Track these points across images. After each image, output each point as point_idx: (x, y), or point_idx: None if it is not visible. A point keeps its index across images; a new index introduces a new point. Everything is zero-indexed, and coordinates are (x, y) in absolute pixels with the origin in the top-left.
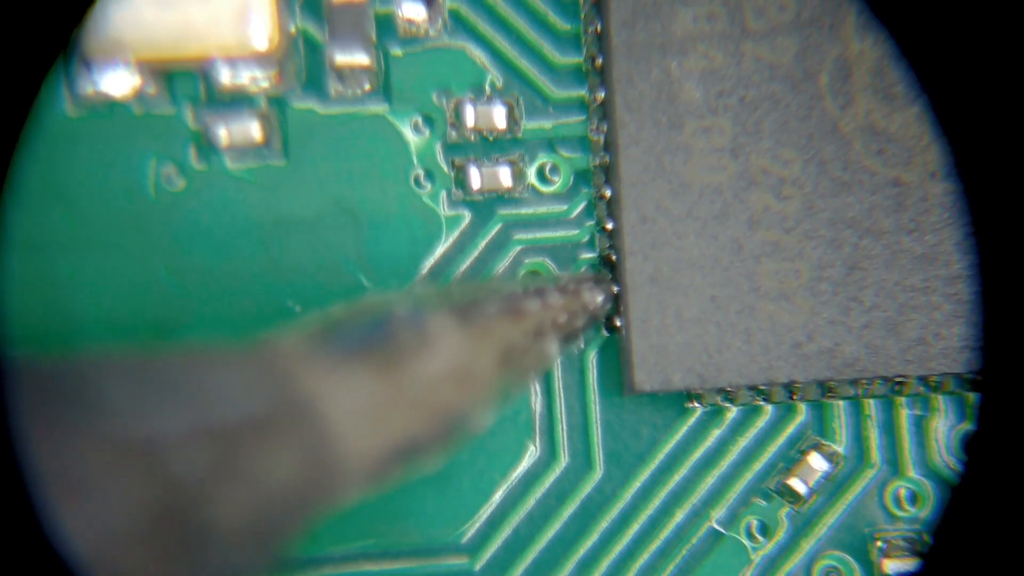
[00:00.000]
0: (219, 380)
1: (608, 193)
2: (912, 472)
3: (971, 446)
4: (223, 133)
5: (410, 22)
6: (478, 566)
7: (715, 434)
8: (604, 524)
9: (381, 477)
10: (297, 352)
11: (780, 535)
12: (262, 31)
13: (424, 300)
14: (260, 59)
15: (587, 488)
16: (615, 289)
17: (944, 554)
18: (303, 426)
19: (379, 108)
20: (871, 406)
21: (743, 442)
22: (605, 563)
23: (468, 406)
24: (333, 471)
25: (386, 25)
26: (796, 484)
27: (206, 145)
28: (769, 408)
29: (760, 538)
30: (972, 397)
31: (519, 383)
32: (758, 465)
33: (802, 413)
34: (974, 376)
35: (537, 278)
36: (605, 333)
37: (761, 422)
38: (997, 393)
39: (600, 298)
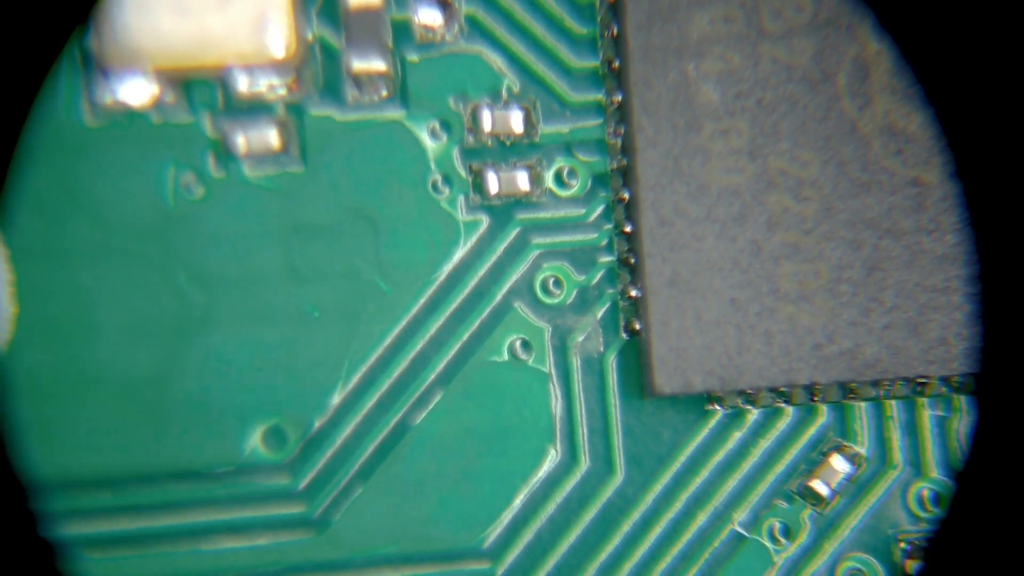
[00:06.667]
0: None
1: (626, 196)
2: (935, 473)
3: (973, 442)
4: (241, 141)
5: (426, 28)
6: (500, 571)
7: (736, 436)
8: (626, 528)
9: None
10: None
11: (803, 537)
12: (279, 39)
13: None
14: (277, 66)
15: (608, 492)
16: (634, 293)
17: (947, 549)
18: None
19: (396, 114)
20: (893, 407)
21: (764, 444)
22: (627, 567)
23: None
24: None
25: (402, 31)
26: (818, 486)
27: (224, 153)
28: (790, 410)
29: (783, 540)
30: (963, 397)
31: None
32: (780, 467)
33: (823, 415)
34: (974, 376)
35: None
36: (625, 336)
37: (782, 424)
38: (997, 392)
39: None
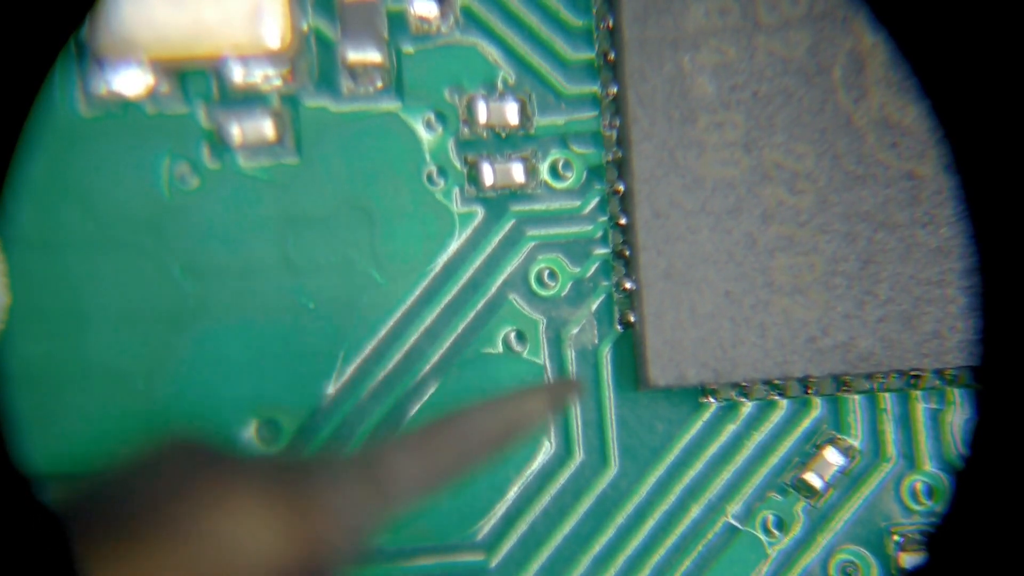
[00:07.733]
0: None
1: (621, 188)
2: (928, 466)
3: (974, 438)
4: (236, 131)
5: (422, 19)
6: (494, 563)
7: (730, 429)
8: (619, 520)
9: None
10: None
11: (796, 530)
12: (274, 29)
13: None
14: (272, 57)
15: (602, 484)
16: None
17: (950, 544)
18: None
19: (391, 105)
20: (886, 400)
21: (758, 437)
22: (621, 559)
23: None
24: None
25: (398, 22)
26: (812, 478)
27: (219, 144)
28: (784, 403)
29: (776, 533)
30: (959, 391)
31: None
32: (774, 460)
33: (817, 407)
34: (976, 369)
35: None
36: (619, 329)
37: (776, 417)
38: (998, 386)
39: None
